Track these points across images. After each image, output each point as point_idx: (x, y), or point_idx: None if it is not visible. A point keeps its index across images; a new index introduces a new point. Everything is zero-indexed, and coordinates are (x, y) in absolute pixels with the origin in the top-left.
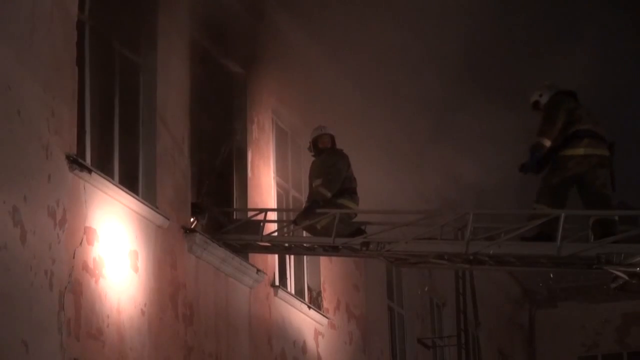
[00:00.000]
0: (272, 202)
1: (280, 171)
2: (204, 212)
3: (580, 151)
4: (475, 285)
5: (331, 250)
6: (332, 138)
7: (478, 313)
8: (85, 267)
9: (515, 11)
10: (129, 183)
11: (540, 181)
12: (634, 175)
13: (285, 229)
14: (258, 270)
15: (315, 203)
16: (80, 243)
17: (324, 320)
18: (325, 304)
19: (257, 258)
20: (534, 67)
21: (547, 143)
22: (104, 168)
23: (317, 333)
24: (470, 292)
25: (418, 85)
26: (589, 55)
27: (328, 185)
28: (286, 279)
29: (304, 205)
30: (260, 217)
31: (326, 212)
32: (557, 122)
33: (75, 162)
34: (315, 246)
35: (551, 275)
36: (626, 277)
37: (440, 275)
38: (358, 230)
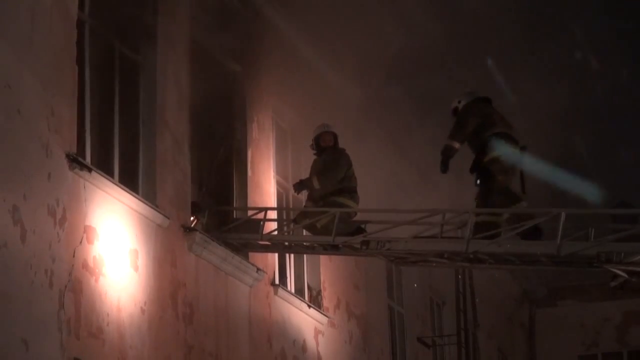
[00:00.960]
0: (272, 201)
1: (280, 170)
2: (204, 210)
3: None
4: (475, 284)
5: (331, 249)
6: (335, 136)
7: (477, 314)
8: (85, 266)
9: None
10: (129, 182)
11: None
12: (634, 175)
13: (285, 228)
14: (258, 269)
15: (307, 181)
16: (80, 242)
17: (324, 319)
18: (325, 302)
19: (257, 257)
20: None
21: (457, 145)
22: (104, 167)
23: (317, 332)
24: (470, 292)
25: (418, 84)
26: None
27: (319, 177)
28: (286, 277)
29: (304, 205)
30: (260, 216)
31: (326, 210)
32: (467, 126)
33: (75, 160)
34: (315, 245)
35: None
36: (626, 276)
37: (440, 274)
38: (358, 229)
